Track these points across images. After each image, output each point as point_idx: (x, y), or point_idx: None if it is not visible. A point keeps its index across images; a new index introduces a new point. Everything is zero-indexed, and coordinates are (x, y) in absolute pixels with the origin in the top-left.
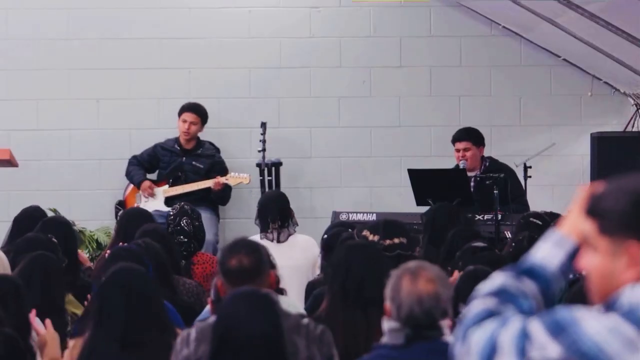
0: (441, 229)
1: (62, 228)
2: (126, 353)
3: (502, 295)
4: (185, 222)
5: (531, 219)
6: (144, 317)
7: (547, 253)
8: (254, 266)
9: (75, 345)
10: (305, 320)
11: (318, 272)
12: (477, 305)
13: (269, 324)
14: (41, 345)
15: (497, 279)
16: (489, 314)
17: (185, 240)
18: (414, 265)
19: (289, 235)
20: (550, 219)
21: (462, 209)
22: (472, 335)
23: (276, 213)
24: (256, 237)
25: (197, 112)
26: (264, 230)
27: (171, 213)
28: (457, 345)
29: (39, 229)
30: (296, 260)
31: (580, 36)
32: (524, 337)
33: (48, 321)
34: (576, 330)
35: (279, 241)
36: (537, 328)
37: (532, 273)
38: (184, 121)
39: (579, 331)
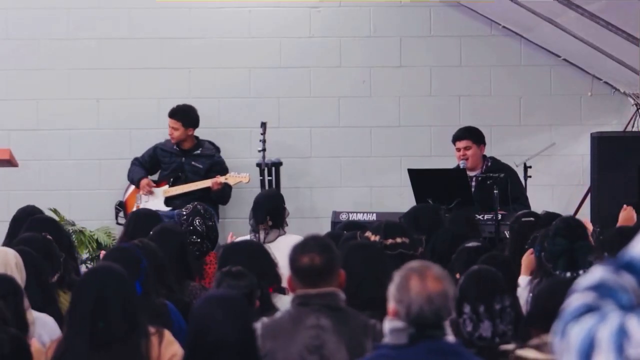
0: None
1: (49, 226)
2: (95, 354)
3: (601, 289)
4: (198, 222)
5: (523, 219)
6: (112, 317)
7: None
8: (326, 265)
9: (50, 346)
10: (372, 321)
11: None
12: (576, 299)
13: (240, 329)
14: None
15: (596, 273)
16: (588, 309)
17: (198, 240)
18: (418, 265)
19: (279, 235)
20: (545, 217)
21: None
22: (571, 330)
23: (264, 213)
24: (246, 237)
25: (176, 117)
26: (254, 229)
27: (184, 213)
28: (556, 340)
29: (26, 228)
30: (281, 260)
31: (580, 36)
32: (622, 334)
33: (34, 340)
34: None
35: (268, 241)
36: (635, 325)
37: (631, 267)
38: (169, 126)
39: None
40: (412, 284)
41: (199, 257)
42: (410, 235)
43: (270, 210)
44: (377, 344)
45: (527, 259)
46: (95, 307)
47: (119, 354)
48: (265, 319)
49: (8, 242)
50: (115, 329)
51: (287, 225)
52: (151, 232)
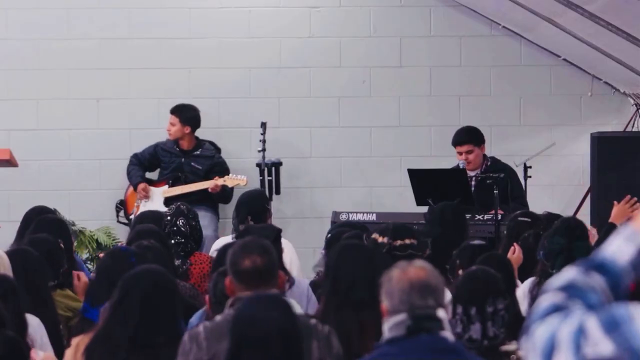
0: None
1: (55, 227)
2: (134, 353)
3: (570, 290)
4: (182, 222)
5: (519, 218)
6: (163, 320)
7: (617, 248)
8: (267, 267)
9: (80, 342)
10: (313, 321)
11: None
12: (545, 299)
13: (287, 322)
14: None
15: (567, 273)
16: (556, 309)
17: (182, 240)
18: (405, 262)
19: None
20: (547, 218)
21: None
22: (537, 330)
23: (245, 214)
24: (228, 238)
25: (175, 112)
26: (236, 230)
27: (167, 213)
28: (523, 340)
29: (33, 229)
30: None
31: (580, 36)
32: (580, 334)
33: (47, 354)
34: (630, 328)
35: None
36: (593, 324)
37: (602, 268)
38: (168, 122)
39: (632, 329)
40: (395, 275)
41: (183, 257)
42: (417, 237)
43: (252, 210)
44: (377, 343)
45: (512, 258)
46: (144, 306)
47: (156, 358)
48: (207, 323)
49: (18, 242)
50: (158, 333)
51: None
52: (128, 236)
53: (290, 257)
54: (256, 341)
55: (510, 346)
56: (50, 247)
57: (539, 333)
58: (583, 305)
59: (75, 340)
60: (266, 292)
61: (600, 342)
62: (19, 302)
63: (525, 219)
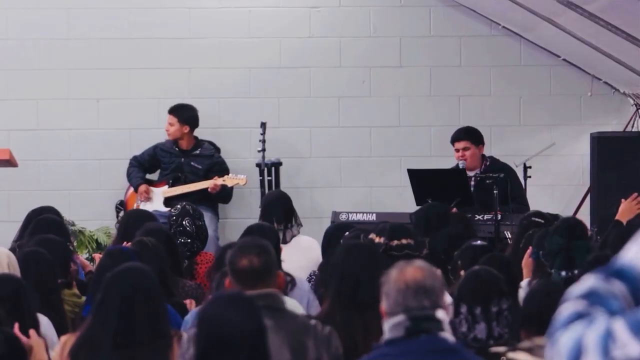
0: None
1: (54, 227)
2: (116, 352)
3: (592, 297)
4: (187, 222)
5: (533, 218)
6: (140, 319)
7: (636, 253)
8: (264, 267)
9: (67, 341)
10: (313, 321)
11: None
12: (567, 308)
13: (253, 322)
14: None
15: (587, 281)
16: (578, 317)
17: (189, 240)
18: (404, 262)
19: (293, 236)
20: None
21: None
22: (561, 338)
23: (281, 213)
24: None
25: (173, 112)
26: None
27: (173, 213)
28: (548, 349)
29: (31, 229)
30: (299, 261)
31: (580, 36)
32: (608, 337)
33: (32, 331)
34: None
35: (283, 242)
36: (620, 327)
37: (621, 274)
38: (167, 122)
39: None
40: (392, 275)
41: (189, 257)
42: (415, 236)
43: (285, 211)
44: (376, 344)
45: (527, 262)
46: (124, 306)
47: (140, 357)
48: None
49: (20, 238)
50: (141, 332)
51: (301, 225)
52: (136, 234)
53: (319, 254)
54: (221, 340)
55: (500, 348)
56: (60, 246)
57: (563, 340)
58: (605, 312)
59: (63, 338)
60: (232, 291)
61: (629, 344)
62: (29, 301)
63: (538, 220)
